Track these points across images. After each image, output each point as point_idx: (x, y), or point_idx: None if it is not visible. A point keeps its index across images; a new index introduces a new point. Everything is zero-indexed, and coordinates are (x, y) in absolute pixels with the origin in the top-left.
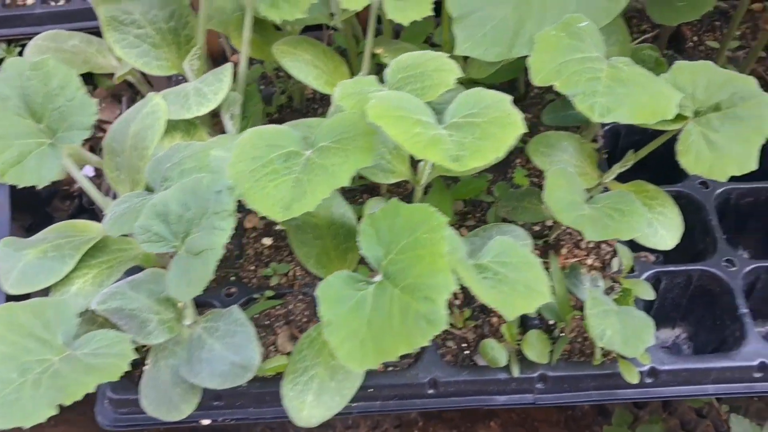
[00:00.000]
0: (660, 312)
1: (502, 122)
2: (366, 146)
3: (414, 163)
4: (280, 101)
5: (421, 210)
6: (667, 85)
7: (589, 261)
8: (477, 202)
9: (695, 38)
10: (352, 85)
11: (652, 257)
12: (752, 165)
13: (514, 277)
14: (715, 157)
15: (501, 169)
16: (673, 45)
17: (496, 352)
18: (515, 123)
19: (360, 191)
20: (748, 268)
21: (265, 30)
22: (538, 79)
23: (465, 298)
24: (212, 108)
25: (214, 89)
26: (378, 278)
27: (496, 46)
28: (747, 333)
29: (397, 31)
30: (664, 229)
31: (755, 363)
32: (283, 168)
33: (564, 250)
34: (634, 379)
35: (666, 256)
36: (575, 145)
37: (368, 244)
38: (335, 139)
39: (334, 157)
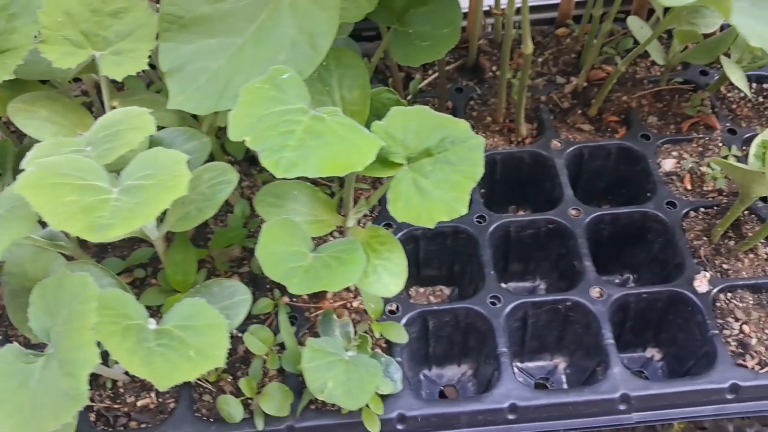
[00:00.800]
0: (438, 351)
1: (166, 185)
2: (26, 216)
3: None
4: None
5: (77, 280)
6: (369, 136)
7: (355, 303)
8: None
9: (494, 68)
10: (48, 147)
11: (447, 291)
12: (462, 210)
13: (193, 341)
14: (423, 204)
15: None
16: (474, 76)
17: (232, 407)
18: (178, 186)
19: None
20: (512, 305)
21: (26, 85)
22: (234, 134)
23: None
24: None
25: None
26: (50, 350)
27: (208, 100)
28: (503, 373)
29: None
30: (388, 275)
31: (505, 405)
32: None
33: (329, 294)
34: (375, 429)
35: (460, 292)
36: (307, 193)
37: (36, 315)
38: (9, 207)
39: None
